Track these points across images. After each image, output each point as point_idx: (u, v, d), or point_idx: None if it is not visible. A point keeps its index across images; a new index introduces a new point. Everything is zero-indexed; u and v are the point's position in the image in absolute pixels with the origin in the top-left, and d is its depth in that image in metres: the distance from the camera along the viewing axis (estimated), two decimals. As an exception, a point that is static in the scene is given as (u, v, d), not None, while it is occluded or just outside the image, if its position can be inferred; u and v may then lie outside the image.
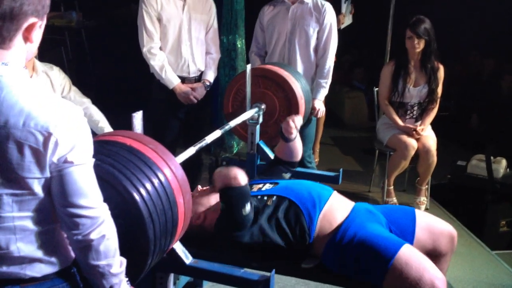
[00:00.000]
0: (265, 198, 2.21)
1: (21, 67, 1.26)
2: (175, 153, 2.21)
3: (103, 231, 1.32)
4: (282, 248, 2.08)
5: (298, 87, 3.03)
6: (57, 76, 2.77)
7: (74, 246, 1.33)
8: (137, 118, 1.91)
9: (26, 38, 1.26)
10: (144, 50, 3.34)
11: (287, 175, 2.60)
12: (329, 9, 3.56)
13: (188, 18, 3.41)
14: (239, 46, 4.92)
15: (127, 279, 1.43)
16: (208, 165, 3.94)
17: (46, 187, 1.26)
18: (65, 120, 1.23)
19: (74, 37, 6.30)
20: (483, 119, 5.78)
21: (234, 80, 3.15)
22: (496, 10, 5.84)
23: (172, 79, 3.36)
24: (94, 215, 1.29)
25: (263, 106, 2.98)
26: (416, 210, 2.26)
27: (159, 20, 3.34)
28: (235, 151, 5.17)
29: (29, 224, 1.27)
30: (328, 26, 3.54)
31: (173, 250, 1.94)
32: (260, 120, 2.97)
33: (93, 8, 6.64)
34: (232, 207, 2.02)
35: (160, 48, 3.37)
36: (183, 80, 3.43)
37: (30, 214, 1.27)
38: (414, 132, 3.85)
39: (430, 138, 3.89)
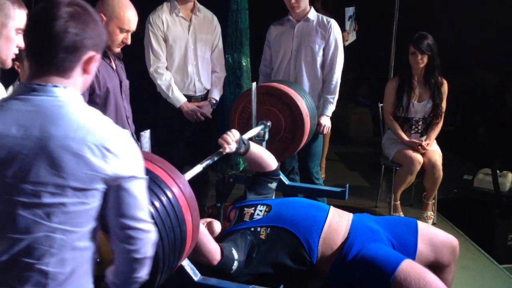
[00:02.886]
0: (259, 229, 2.18)
1: (79, 93, 1.36)
2: (182, 171, 2.23)
3: (154, 248, 1.39)
4: (284, 276, 2.09)
5: (303, 103, 3.06)
6: None
7: (126, 261, 1.36)
8: (145, 137, 1.95)
9: (84, 70, 1.37)
10: (151, 70, 3.40)
11: (273, 185, 2.58)
12: (334, 25, 3.58)
13: (194, 38, 3.48)
14: (244, 64, 4.98)
15: None
16: (214, 182, 3.95)
17: (97, 200, 1.31)
18: (119, 138, 1.33)
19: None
20: (489, 133, 5.78)
21: (240, 98, 3.19)
22: (499, 24, 5.87)
23: (179, 98, 3.41)
24: (148, 228, 1.36)
25: (268, 123, 3.01)
26: (418, 222, 2.28)
27: (165, 40, 3.40)
28: (241, 168, 5.20)
29: (70, 240, 1.29)
30: (334, 42, 3.56)
31: (181, 267, 1.95)
32: (266, 137, 3.00)
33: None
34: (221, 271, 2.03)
35: (167, 68, 3.42)
36: (190, 98, 3.48)
37: (73, 228, 1.29)
38: (419, 147, 3.87)
39: (435, 153, 3.91)
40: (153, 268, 1.60)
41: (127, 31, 2.51)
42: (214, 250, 2.01)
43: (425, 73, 3.92)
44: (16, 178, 1.25)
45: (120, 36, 2.50)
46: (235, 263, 2.04)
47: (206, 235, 2.03)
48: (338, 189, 2.95)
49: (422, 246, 2.17)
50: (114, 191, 1.31)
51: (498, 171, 4.23)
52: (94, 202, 1.31)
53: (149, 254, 1.38)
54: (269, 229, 2.17)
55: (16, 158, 1.25)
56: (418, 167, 3.86)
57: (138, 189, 1.34)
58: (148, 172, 1.68)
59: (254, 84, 2.93)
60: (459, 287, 3.12)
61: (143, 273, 1.40)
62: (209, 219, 2.34)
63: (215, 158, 2.42)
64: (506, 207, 4.17)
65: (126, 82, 2.68)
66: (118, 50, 2.58)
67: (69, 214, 1.28)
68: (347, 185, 2.91)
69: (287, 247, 2.12)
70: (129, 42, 2.54)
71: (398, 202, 4.07)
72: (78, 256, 1.32)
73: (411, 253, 2.12)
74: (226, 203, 2.82)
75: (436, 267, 2.15)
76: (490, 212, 4.19)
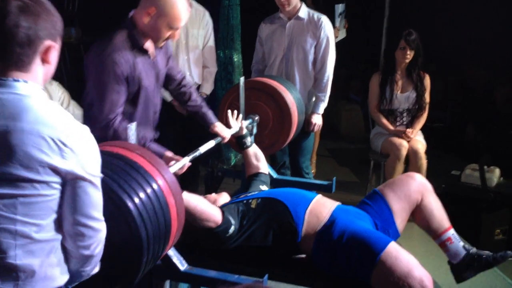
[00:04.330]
0: (250, 201, 2.27)
1: (40, 86, 1.35)
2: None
3: (102, 247, 1.40)
4: (271, 248, 2.14)
5: (288, 94, 3.10)
6: (56, 90, 2.85)
7: (75, 257, 1.38)
8: (131, 129, 1.97)
9: (44, 60, 1.36)
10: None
11: (264, 187, 2.64)
12: (326, 22, 3.58)
13: (185, 33, 3.50)
14: (235, 60, 5.01)
15: None
16: (203, 177, 3.99)
17: (57, 192, 1.31)
18: (79, 134, 1.33)
19: (73, 52, 6.40)
20: (478, 129, 5.84)
21: (228, 93, 3.22)
22: (490, 22, 5.93)
23: None
24: (99, 227, 1.39)
25: (256, 118, 3.05)
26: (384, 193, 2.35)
27: None
28: (232, 163, 5.23)
29: (32, 231, 1.29)
30: (325, 40, 3.57)
31: (168, 258, 1.99)
32: (255, 131, 3.04)
33: (93, 24, 6.74)
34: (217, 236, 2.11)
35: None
36: None
37: (34, 220, 1.29)
38: (404, 135, 4.03)
39: (418, 142, 4.05)
40: (138, 256, 1.64)
41: (176, 29, 2.30)
42: (215, 213, 2.11)
43: (408, 67, 4.09)
44: None
45: (168, 33, 2.30)
46: (232, 228, 2.12)
47: (205, 201, 2.13)
48: (325, 182, 3.00)
49: (393, 204, 2.27)
50: (70, 187, 1.32)
51: (485, 167, 4.27)
52: (53, 194, 1.31)
53: (97, 252, 1.41)
54: (259, 199, 2.27)
55: None
56: (405, 152, 3.99)
57: (93, 188, 1.35)
58: (127, 160, 1.71)
59: (242, 78, 2.96)
60: (444, 279, 3.16)
61: (89, 268, 1.43)
62: (215, 196, 2.45)
63: (214, 144, 2.54)
64: (493, 202, 4.21)
65: (163, 71, 2.53)
66: (162, 45, 2.42)
67: (29, 206, 1.28)
68: (334, 178, 2.96)
69: (274, 214, 2.18)
70: (176, 37, 2.36)
71: None
72: (46, 247, 1.33)
73: (390, 219, 2.22)
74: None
75: (416, 209, 2.30)
76: (477, 207, 4.24)
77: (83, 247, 1.37)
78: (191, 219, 2.02)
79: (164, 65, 2.53)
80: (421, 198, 2.32)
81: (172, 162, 2.23)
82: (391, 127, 4.14)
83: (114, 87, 2.21)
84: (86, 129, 1.36)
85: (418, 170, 3.93)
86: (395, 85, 4.11)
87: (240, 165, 3.64)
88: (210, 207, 2.11)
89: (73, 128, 1.32)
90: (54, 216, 1.33)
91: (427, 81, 4.13)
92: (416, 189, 2.32)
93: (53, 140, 1.27)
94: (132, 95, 2.33)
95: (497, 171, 4.32)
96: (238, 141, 2.84)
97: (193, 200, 2.07)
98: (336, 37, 5.01)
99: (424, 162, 3.97)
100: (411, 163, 4.00)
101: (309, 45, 3.56)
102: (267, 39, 3.67)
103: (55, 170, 1.28)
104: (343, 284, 2.11)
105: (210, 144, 2.55)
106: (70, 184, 1.32)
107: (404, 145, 3.99)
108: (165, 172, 1.76)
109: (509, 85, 5.65)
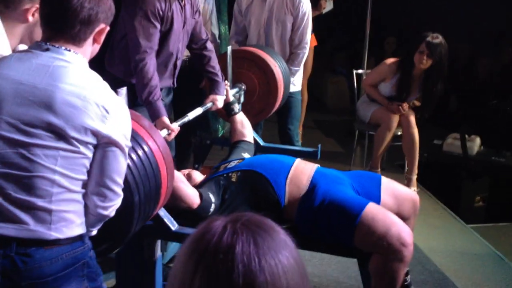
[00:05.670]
0: (230, 174, 2.29)
1: (86, 60, 1.51)
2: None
3: (114, 212, 1.53)
4: None
5: (272, 60, 3.15)
6: None
7: (93, 214, 1.49)
8: (122, 93, 2.02)
9: (95, 40, 1.52)
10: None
11: (246, 154, 2.66)
12: (303, 0, 3.56)
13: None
14: (222, 31, 5.00)
15: None
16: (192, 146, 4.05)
17: (90, 153, 1.44)
18: (117, 104, 1.48)
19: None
20: (461, 100, 5.94)
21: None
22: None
23: None
24: (121, 193, 1.51)
25: (243, 86, 3.10)
26: (382, 176, 2.38)
27: None
28: (220, 134, 5.28)
29: (67, 182, 1.41)
30: (304, 17, 3.56)
31: (160, 218, 2.05)
32: (242, 99, 3.10)
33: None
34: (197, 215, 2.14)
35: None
36: None
37: (70, 173, 1.41)
38: (399, 107, 3.89)
39: (410, 113, 3.98)
40: (129, 214, 1.70)
41: None
42: (193, 195, 2.14)
43: (426, 79, 3.89)
44: (19, 119, 1.38)
45: None
46: (213, 206, 2.17)
47: (185, 182, 2.17)
48: (311, 149, 3.07)
49: (385, 197, 2.27)
50: (102, 150, 1.45)
51: (466, 136, 4.39)
52: (88, 154, 1.43)
53: (112, 214, 1.53)
54: (239, 172, 2.29)
55: (23, 103, 1.39)
56: (396, 124, 3.92)
57: (122, 155, 1.48)
58: None
59: (229, 48, 3.00)
60: (425, 244, 3.29)
61: (95, 229, 1.55)
62: (189, 170, 2.46)
63: (202, 110, 2.62)
64: (474, 170, 4.34)
65: (190, 21, 2.71)
66: None
67: (67, 159, 1.40)
68: (319, 145, 3.03)
69: (256, 187, 2.22)
70: None
71: (379, 170, 4.08)
72: (76, 198, 1.45)
73: (375, 202, 2.19)
74: (204, 166, 2.95)
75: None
76: (458, 175, 4.37)
77: (102, 207, 1.48)
78: (171, 198, 2.05)
79: (191, 15, 2.70)
80: (406, 219, 2.27)
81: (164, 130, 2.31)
82: (386, 101, 3.97)
83: (152, 21, 2.42)
84: (122, 100, 1.52)
85: (410, 137, 3.92)
86: (403, 93, 3.92)
87: (227, 137, 3.69)
88: (189, 189, 2.15)
89: (112, 97, 1.47)
90: (85, 173, 1.45)
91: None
92: (411, 206, 2.32)
93: (97, 104, 1.41)
94: (162, 34, 2.51)
95: (477, 140, 4.44)
96: (226, 107, 2.89)
97: (176, 177, 2.08)
98: (323, 8, 5.05)
99: (415, 130, 3.93)
100: (404, 131, 3.97)
101: (288, 22, 3.56)
102: (247, 11, 3.65)
103: (95, 132, 1.41)
104: (329, 249, 2.18)
105: (198, 111, 2.61)
106: (103, 147, 1.44)
107: (396, 117, 3.92)
108: (156, 136, 1.82)
109: (490, 58, 5.74)
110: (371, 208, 2.03)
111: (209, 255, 0.73)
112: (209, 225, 0.77)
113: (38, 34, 1.59)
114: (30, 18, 1.60)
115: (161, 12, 2.45)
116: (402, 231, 1.97)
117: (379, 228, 1.97)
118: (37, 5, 1.57)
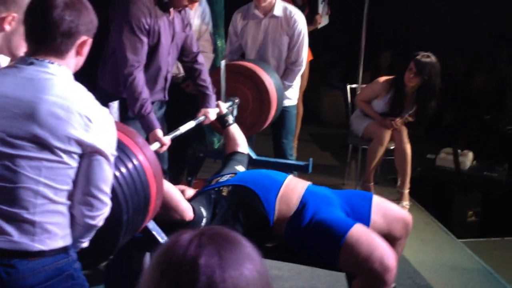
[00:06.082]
0: (221, 188, 2.31)
1: (70, 72, 1.54)
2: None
3: (104, 221, 1.54)
4: (243, 235, 2.20)
5: (265, 75, 3.19)
6: None
7: (80, 224, 1.51)
8: (113, 107, 2.06)
9: (78, 52, 1.54)
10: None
11: (240, 167, 2.66)
12: (299, 18, 3.57)
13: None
14: (219, 45, 5.05)
15: None
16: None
17: (75, 163, 1.46)
18: (101, 114, 1.50)
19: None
20: (455, 115, 5.98)
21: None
22: (467, 8, 6.04)
23: None
24: (108, 202, 1.53)
25: (236, 100, 3.14)
26: (374, 196, 2.37)
27: None
28: (216, 147, 5.31)
29: (51, 193, 1.44)
30: (299, 36, 3.56)
31: (148, 230, 2.07)
32: (235, 113, 3.13)
33: None
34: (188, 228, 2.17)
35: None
36: (172, 78, 3.54)
37: (54, 184, 1.44)
38: (392, 123, 3.93)
39: (403, 128, 3.99)
40: (116, 227, 1.72)
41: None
42: (187, 209, 2.18)
43: (418, 97, 3.93)
44: (5, 132, 1.41)
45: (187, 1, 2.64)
46: (204, 220, 2.20)
47: (179, 195, 2.20)
48: (302, 163, 3.10)
49: (375, 217, 2.26)
50: (87, 159, 1.47)
51: (459, 150, 4.41)
52: (72, 164, 1.45)
53: (100, 224, 1.55)
54: (230, 187, 2.31)
55: (9, 116, 1.42)
56: (388, 138, 3.95)
57: (108, 163, 1.50)
58: None
59: (223, 62, 3.04)
60: (415, 257, 3.31)
61: (85, 240, 1.58)
62: (183, 186, 2.49)
63: (194, 124, 2.66)
64: (466, 184, 4.37)
65: (180, 35, 2.75)
66: (180, 9, 2.70)
67: (51, 170, 1.42)
68: (311, 159, 3.06)
69: (246, 202, 2.24)
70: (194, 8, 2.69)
71: (372, 183, 4.11)
72: (60, 209, 1.47)
73: (365, 223, 2.20)
74: (197, 179, 2.98)
75: (388, 239, 2.22)
76: (451, 190, 4.39)
77: (90, 216, 1.51)
78: (164, 208, 2.07)
79: (181, 29, 2.74)
80: (397, 239, 2.29)
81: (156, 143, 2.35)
82: (379, 117, 4.01)
83: (138, 35, 2.46)
84: (106, 110, 1.53)
85: (402, 152, 3.94)
86: (397, 110, 3.96)
87: (222, 149, 3.71)
88: (184, 202, 2.18)
89: (96, 106, 1.50)
90: (70, 183, 1.48)
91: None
92: (402, 226, 2.30)
93: (80, 114, 1.44)
94: (150, 48, 2.55)
95: (470, 155, 4.47)
96: (220, 120, 2.92)
97: (171, 191, 2.14)
98: (319, 23, 5.11)
99: (408, 145, 3.95)
100: (396, 146, 3.99)
101: (284, 42, 3.58)
102: (242, 33, 3.66)
103: (79, 142, 1.44)
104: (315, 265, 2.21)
105: (190, 124, 2.64)
106: (88, 156, 1.47)
107: (388, 132, 3.95)
108: (145, 148, 1.86)
109: (485, 74, 5.78)
110: (357, 230, 2.04)
111: (173, 267, 0.76)
112: (177, 238, 0.80)
113: (16, 43, 1.64)
114: (7, 27, 1.62)
115: (146, 26, 2.49)
116: (385, 255, 1.98)
117: (362, 250, 1.98)
118: (14, 14, 1.60)
